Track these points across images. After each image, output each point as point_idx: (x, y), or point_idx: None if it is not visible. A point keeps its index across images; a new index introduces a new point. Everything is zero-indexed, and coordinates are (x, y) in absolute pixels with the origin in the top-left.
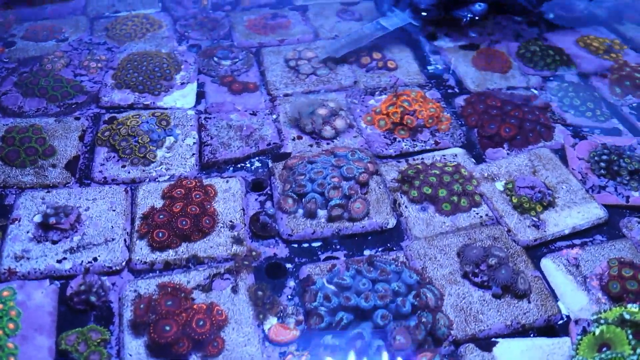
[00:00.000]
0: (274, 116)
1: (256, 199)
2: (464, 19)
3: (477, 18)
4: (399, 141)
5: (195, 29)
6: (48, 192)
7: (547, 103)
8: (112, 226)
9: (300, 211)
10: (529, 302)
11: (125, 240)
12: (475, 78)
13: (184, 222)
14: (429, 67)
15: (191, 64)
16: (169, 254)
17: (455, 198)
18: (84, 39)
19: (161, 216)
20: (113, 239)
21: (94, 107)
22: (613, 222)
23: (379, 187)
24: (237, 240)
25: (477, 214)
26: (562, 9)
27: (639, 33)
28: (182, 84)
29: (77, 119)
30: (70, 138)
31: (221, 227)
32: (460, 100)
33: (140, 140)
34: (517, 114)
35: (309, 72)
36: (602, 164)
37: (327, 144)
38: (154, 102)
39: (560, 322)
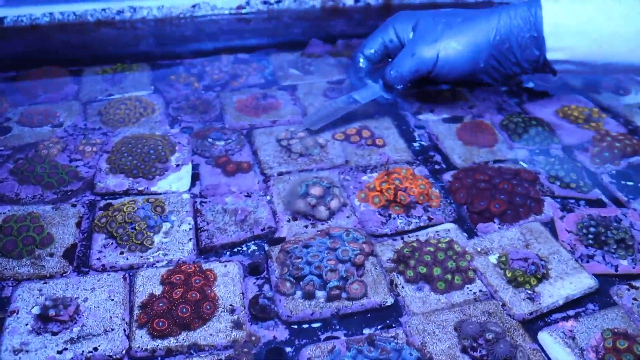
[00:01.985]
0: (268, 197)
1: (254, 282)
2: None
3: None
4: (394, 218)
5: (188, 112)
6: (45, 283)
7: (536, 174)
8: (110, 316)
9: (299, 293)
10: None
11: (124, 329)
12: (461, 153)
13: (184, 310)
14: (414, 144)
15: (184, 145)
16: (170, 341)
17: (449, 276)
18: (78, 125)
19: (161, 304)
20: (112, 329)
21: (89, 194)
22: (604, 290)
23: (375, 268)
24: (237, 325)
25: (471, 290)
26: (539, 79)
27: (615, 102)
28: (178, 165)
29: (74, 205)
30: (68, 225)
31: (221, 312)
32: (448, 176)
33: (137, 227)
34: (506, 187)
35: (301, 152)
36: (590, 236)
37: (322, 224)
38: (148, 187)
39: None
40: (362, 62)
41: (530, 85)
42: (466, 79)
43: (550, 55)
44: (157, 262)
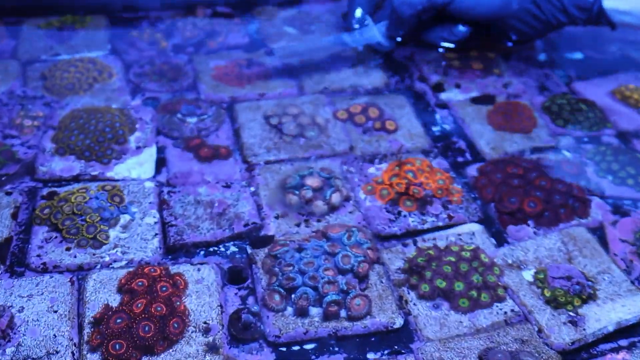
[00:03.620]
0: (252, 189)
1: (236, 293)
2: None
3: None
4: (405, 216)
5: (153, 79)
6: None
7: (582, 168)
8: (54, 334)
9: (290, 309)
10: None
11: (73, 352)
12: (491, 139)
13: (146, 328)
14: (434, 128)
15: (148, 122)
16: None
17: (474, 292)
18: (15, 92)
19: (119, 320)
20: (57, 352)
21: (28, 180)
22: None
23: (381, 281)
24: (212, 348)
25: (501, 309)
26: (592, 49)
27: None
28: (138, 148)
29: (9, 193)
30: (2, 216)
31: (193, 332)
32: (472, 170)
33: (88, 219)
34: (543, 184)
35: (294, 133)
36: None
37: (318, 221)
38: (103, 173)
39: None
40: None
41: (578, 56)
42: (492, 22)
43: (608, 3)
44: (114, 261)
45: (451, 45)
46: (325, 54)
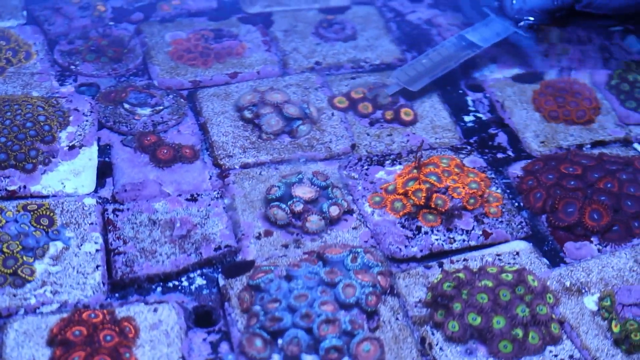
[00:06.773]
0: (226, 200)
1: (205, 339)
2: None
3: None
4: (426, 233)
5: (88, 59)
6: None
7: None
8: None
9: (276, 357)
10: None
11: None
12: (539, 130)
13: None
14: (465, 117)
15: (86, 114)
16: None
17: (519, 332)
18: None
19: None
20: None
21: None
22: None
23: (396, 317)
24: None
25: (556, 356)
26: None
27: None
28: (72, 147)
29: None
30: None
31: None
32: (516, 169)
33: (5, 249)
34: (610, 187)
35: (278, 130)
36: None
37: (312, 240)
38: (25, 186)
39: None
40: None
41: None
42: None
43: None
44: (43, 304)
45: None
46: (455, 64)
